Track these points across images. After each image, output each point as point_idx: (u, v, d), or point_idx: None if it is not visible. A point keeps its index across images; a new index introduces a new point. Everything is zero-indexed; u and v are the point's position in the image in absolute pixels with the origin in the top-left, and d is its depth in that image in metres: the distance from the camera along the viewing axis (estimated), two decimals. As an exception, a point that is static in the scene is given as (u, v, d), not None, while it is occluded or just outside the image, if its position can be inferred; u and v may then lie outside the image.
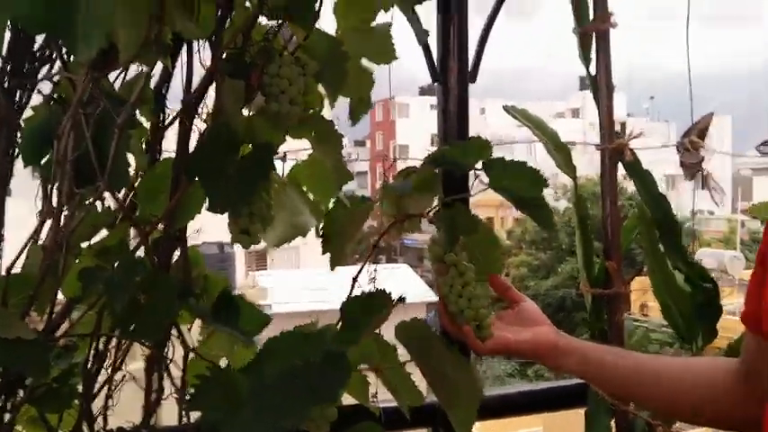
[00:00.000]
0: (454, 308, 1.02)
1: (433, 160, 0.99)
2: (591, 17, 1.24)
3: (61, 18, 0.72)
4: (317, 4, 0.99)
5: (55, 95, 0.95)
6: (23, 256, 0.91)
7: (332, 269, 0.99)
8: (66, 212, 0.88)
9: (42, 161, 0.92)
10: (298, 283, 12.70)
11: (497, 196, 1.01)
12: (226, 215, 0.96)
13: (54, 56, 0.94)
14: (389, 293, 0.92)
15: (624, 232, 1.28)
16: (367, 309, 0.91)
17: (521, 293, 1.12)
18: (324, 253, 1.00)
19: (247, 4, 1.00)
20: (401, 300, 0.94)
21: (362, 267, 1.05)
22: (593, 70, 1.26)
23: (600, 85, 1.25)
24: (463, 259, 1.01)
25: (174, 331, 1.05)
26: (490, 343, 1.03)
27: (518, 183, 0.97)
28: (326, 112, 1.11)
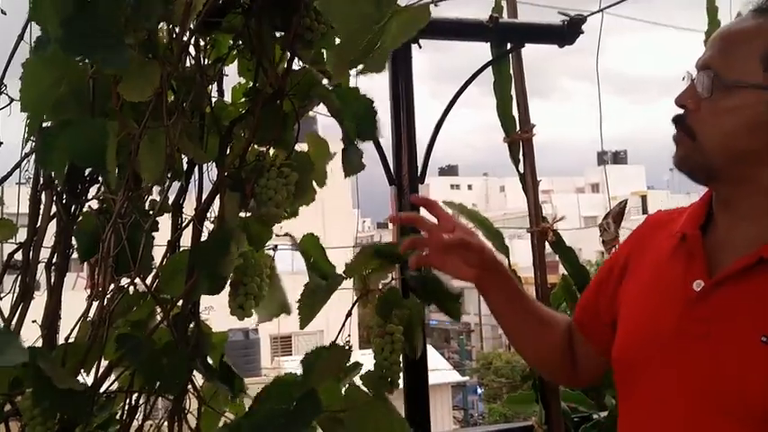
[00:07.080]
0: (379, 365, 1.28)
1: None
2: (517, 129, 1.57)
3: (99, 158, 1.06)
4: (296, 135, 1.32)
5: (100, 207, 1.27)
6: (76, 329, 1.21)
7: (300, 328, 1.27)
8: (108, 295, 1.19)
9: (92, 258, 1.23)
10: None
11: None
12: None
13: (99, 179, 1.28)
14: (346, 348, 1.21)
15: (553, 297, 1.56)
16: (320, 356, 1.19)
17: (444, 213, 1.24)
18: (299, 314, 1.28)
19: (242, 134, 1.33)
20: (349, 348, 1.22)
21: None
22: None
23: (527, 181, 1.56)
24: (398, 332, 1.28)
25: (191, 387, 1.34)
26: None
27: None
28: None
